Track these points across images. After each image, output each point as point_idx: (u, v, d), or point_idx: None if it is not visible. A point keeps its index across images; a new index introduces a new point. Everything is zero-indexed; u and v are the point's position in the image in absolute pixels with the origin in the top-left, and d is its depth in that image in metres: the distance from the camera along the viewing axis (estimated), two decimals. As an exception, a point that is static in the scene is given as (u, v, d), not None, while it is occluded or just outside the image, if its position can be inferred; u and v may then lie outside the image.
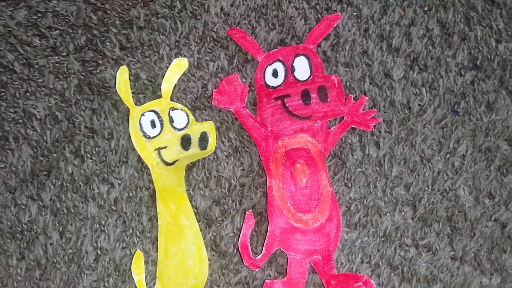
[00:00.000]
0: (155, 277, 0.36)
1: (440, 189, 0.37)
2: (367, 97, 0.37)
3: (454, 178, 0.37)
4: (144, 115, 0.36)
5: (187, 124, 0.37)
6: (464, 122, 0.37)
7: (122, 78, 0.36)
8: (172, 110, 0.37)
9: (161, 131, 0.36)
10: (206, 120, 0.38)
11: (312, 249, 0.36)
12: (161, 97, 0.37)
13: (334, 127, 0.37)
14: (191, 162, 0.37)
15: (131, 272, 0.35)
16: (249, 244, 0.36)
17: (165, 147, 0.36)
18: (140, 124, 0.36)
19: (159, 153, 0.36)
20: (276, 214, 0.36)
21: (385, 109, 0.38)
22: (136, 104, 0.37)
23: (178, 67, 0.37)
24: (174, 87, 0.38)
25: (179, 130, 0.36)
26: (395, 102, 0.38)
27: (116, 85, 0.36)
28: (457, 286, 0.36)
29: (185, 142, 0.36)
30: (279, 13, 0.39)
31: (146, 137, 0.36)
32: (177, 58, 0.37)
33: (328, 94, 0.36)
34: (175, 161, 0.36)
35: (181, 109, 0.37)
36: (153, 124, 0.36)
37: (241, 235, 0.36)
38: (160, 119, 0.36)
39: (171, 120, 0.36)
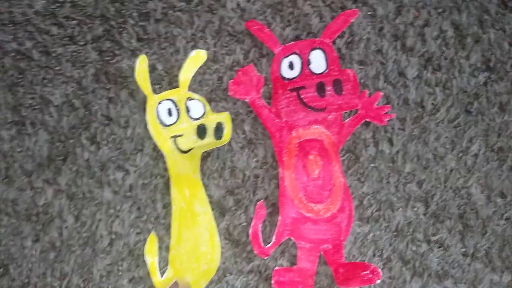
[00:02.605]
0: (167, 263, 0.39)
1: (452, 187, 0.41)
2: (382, 93, 0.41)
3: (467, 176, 0.41)
4: (161, 104, 0.40)
5: (204, 114, 0.40)
6: (477, 122, 0.42)
7: (142, 67, 0.40)
8: (189, 100, 0.40)
9: (178, 119, 0.40)
10: (221, 112, 0.42)
11: (323, 238, 0.39)
12: (178, 87, 0.42)
13: (348, 119, 0.40)
14: (205, 152, 0.41)
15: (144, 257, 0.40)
16: (260, 233, 0.39)
17: (181, 135, 0.40)
18: (157, 112, 0.40)
19: (174, 141, 0.40)
20: (288, 204, 0.39)
21: (398, 106, 0.42)
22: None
23: (196, 58, 0.41)
24: (189, 79, 0.42)
25: (195, 119, 0.40)
26: (408, 100, 0.42)
27: (135, 73, 0.40)
28: (468, 282, 0.39)
29: (201, 131, 0.40)
30: (294, 10, 0.43)
31: (162, 125, 0.40)
32: (194, 50, 0.42)
33: (343, 87, 0.40)
34: (190, 149, 0.40)
35: (198, 99, 0.40)
36: (169, 113, 0.40)
37: (252, 224, 0.39)
38: (176, 108, 0.40)
39: (188, 110, 0.40)
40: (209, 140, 0.40)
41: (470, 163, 0.41)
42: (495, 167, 0.41)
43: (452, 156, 0.41)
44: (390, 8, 0.43)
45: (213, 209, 0.40)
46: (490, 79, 0.42)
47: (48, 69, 0.42)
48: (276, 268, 0.39)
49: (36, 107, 0.42)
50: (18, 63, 0.42)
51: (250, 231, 0.39)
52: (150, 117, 0.40)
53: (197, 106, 0.40)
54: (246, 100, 0.41)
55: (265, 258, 0.39)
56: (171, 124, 0.40)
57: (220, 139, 0.40)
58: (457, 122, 0.41)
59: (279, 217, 0.39)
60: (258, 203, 0.40)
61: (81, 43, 0.43)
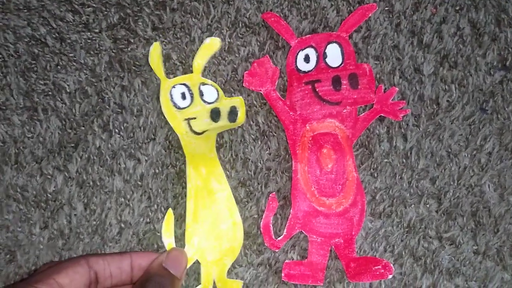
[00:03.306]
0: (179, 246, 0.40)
1: (465, 184, 0.41)
2: (397, 88, 0.42)
3: (480, 174, 0.42)
4: (175, 87, 0.41)
5: (217, 98, 0.41)
6: (492, 121, 0.42)
7: (156, 53, 0.41)
8: (203, 85, 0.41)
9: (191, 103, 0.40)
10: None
11: (334, 232, 0.39)
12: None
13: (363, 114, 0.41)
14: (218, 143, 0.41)
15: (154, 246, 0.40)
16: (271, 225, 0.40)
17: (195, 118, 0.40)
18: (171, 95, 0.40)
19: (188, 123, 0.40)
20: (300, 197, 0.40)
21: (413, 103, 0.42)
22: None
23: (210, 46, 0.41)
24: (205, 69, 0.43)
25: (209, 103, 0.40)
26: (424, 96, 0.42)
27: (149, 58, 0.41)
28: (478, 280, 0.40)
29: (215, 114, 0.40)
30: (311, 3, 0.44)
31: (176, 107, 0.40)
32: (209, 38, 0.42)
33: (359, 81, 0.40)
34: (204, 131, 0.40)
35: (211, 84, 0.41)
36: (183, 96, 0.40)
37: (263, 216, 0.40)
38: (190, 92, 0.40)
39: (201, 94, 0.41)
40: (223, 123, 0.40)
41: (483, 161, 0.42)
42: (508, 166, 0.42)
43: (466, 153, 0.42)
44: (408, 4, 0.43)
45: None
46: (506, 78, 0.43)
47: (62, 55, 0.43)
48: (287, 261, 0.39)
49: (49, 93, 0.42)
50: (32, 49, 0.43)
51: (262, 223, 0.40)
52: (163, 99, 0.41)
53: (211, 91, 0.41)
54: (260, 91, 0.42)
55: (276, 250, 0.40)
56: (185, 107, 0.41)
57: (234, 121, 0.40)
58: (472, 120, 0.42)
59: (291, 210, 0.40)
60: (270, 195, 0.40)
61: (96, 30, 0.43)
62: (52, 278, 0.31)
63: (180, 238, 0.40)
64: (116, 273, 0.34)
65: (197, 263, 0.39)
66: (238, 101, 0.40)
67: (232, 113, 0.40)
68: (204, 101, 0.40)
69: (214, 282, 0.39)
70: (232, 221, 0.40)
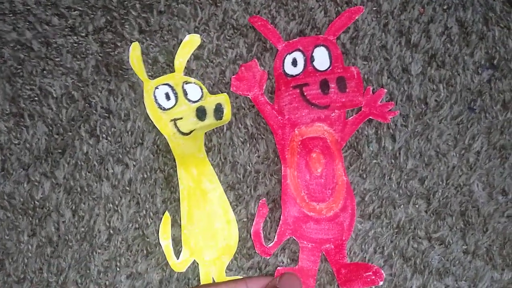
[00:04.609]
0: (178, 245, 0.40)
1: (454, 184, 0.41)
2: (385, 90, 0.42)
3: (469, 173, 0.42)
4: (158, 88, 0.40)
5: (201, 96, 0.41)
6: (480, 120, 0.42)
7: (135, 54, 0.41)
8: (186, 83, 0.41)
9: (176, 103, 0.40)
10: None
11: (325, 238, 0.39)
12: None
13: (351, 117, 0.41)
14: (206, 147, 0.41)
15: (143, 252, 0.40)
16: (262, 232, 0.40)
17: (181, 118, 0.40)
18: (155, 96, 0.40)
19: (175, 124, 0.40)
20: (290, 202, 0.40)
21: (402, 103, 0.42)
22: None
23: (191, 43, 0.41)
24: (192, 72, 0.42)
25: (194, 102, 0.40)
26: (412, 96, 0.42)
27: (129, 60, 0.41)
28: (468, 279, 0.40)
29: (201, 113, 0.40)
30: (299, 4, 0.44)
31: (161, 109, 0.40)
32: (188, 35, 0.42)
33: (347, 84, 0.40)
34: (192, 131, 0.40)
35: (194, 82, 0.41)
36: (167, 97, 0.40)
37: (254, 223, 0.40)
38: (174, 92, 0.40)
39: (185, 93, 0.41)
40: (210, 121, 0.40)
41: (472, 161, 0.42)
42: (497, 165, 0.42)
43: (455, 153, 0.42)
44: (395, 3, 0.43)
45: (214, 204, 0.41)
46: (493, 77, 0.43)
47: (48, 60, 0.42)
48: (279, 268, 0.39)
49: (35, 98, 0.42)
50: (18, 54, 0.42)
51: (252, 230, 0.40)
52: (148, 101, 0.41)
53: (195, 89, 0.41)
54: (248, 96, 0.42)
55: (267, 257, 0.40)
56: (170, 108, 0.40)
57: (221, 119, 0.40)
58: (460, 119, 0.42)
59: (281, 216, 0.40)
60: (260, 201, 0.40)
61: (82, 34, 0.43)
62: None
63: (176, 240, 0.41)
64: None
65: (195, 264, 0.40)
66: (223, 98, 0.41)
67: (218, 111, 0.40)
68: (189, 100, 0.40)
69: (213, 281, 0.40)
70: (226, 219, 0.40)
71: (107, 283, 0.41)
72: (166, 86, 0.41)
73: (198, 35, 0.42)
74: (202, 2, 0.43)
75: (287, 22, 0.43)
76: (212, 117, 0.40)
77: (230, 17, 0.43)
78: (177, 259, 0.39)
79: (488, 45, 0.43)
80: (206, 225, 0.40)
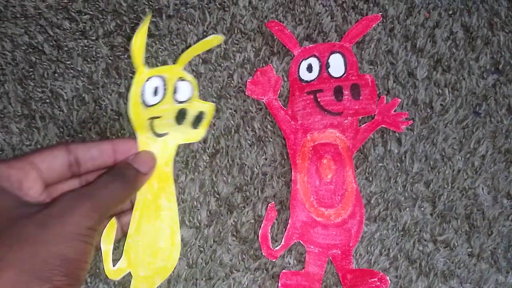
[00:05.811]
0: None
1: (459, 187, 0.42)
2: (399, 100, 0.42)
3: (474, 177, 0.42)
4: (149, 81, 0.39)
5: (189, 98, 0.40)
6: (485, 124, 0.43)
7: (141, 35, 0.38)
8: (180, 80, 0.40)
9: (161, 100, 0.39)
10: (231, 109, 0.42)
11: (332, 243, 0.40)
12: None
13: (364, 125, 0.41)
14: (214, 149, 0.42)
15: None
16: (269, 235, 0.40)
17: (159, 117, 0.39)
18: (143, 90, 0.38)
19: (151, 123, 0.39)
20: (299, 207, 0.40)
21: (407, 107, 0.43)
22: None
23: (211, 41, 0.40)
24: (200, 75, 0.43)
25: (179, 102, 0.39)
26: (417, 100, 0.43)
27: (133, 39, 0.37)
28: (473, 282, 0.40)
29: (180, 115, 0.39)
30: (306, 9, 0.44)
31: (144, 105, 0.38)
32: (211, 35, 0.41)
33: (361, 92, 0.41)
34: (164, 134, 0.39)
35: (189, 81, 0.40)
36: (155, 92, 0.39)
37: (262, 226, 0.40)
38: (164, 87, 0.39)
39: (175, 91, 0.39)
40: (185, 128, 0.40)
41: (477, 164, 0.42)
42: (502, 169, 0.42)
43: (460, 157, 0.42)
44: (401, 8, 0.44)
45: (221, 206, 0.41)
46: (499, 81, 0.43)
47: (59, 63, 0.43)
48: (284, 271, 0.40)
49: (46, 101, 0.43)
50: (29, 57, 0.43)
51: (260, 233, 0.40)
52: (134, 93, 0.39)
53: (186, 89, 0.40)
54: (263, 100, 0.42)
55: (274, 260, 0.40)
56: (153, 105, 0.39)
57: (196, 128, 0.40)
58: (465, 123, 0.42)
59: (289, 220, 0.40)
60: (269, 205, 0.41)
61: (93, 37, 0.44)
62: (28, 161, 0.33)
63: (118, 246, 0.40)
64: (97, 155, 0.36)
65: (129, 275, 0.39)
66: (207, 107, 0.40)
67: (198, 119, 0.40)
68: (175, 100, 0.39)
69: None
70: (172, 241, 0.39)
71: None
72: (159, 79, 0.39)
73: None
74: (211, 7, 0.44)
75: (294, 27, 0.44)
76: (189, 123, 0.40)
77: (238, 21, 0.44)
78: (113, 266, 0.38)
79: (493, 50, 0.44)
80: (151, 241, 0.39)
